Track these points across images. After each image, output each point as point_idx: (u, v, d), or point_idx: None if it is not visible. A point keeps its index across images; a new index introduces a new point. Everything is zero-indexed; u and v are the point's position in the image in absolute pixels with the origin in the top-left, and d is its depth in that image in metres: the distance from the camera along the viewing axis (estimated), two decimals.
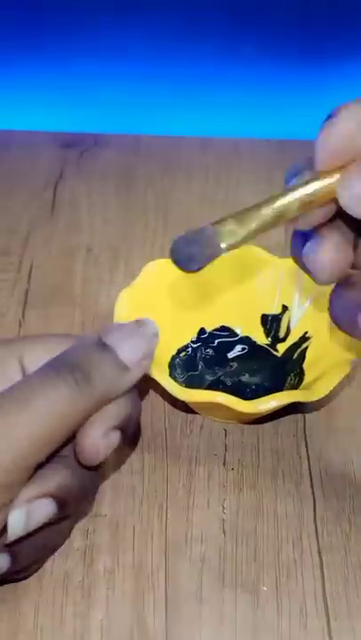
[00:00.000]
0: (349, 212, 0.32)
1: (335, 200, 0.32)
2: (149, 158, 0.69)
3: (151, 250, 0.60)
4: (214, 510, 0.44)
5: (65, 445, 0.36)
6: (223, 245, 0.33)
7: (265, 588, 0.41)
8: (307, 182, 0.33)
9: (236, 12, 0.65)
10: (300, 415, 0.49)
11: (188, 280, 0.50)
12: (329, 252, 0.35)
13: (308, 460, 0.47)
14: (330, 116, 0.33)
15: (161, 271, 0.50)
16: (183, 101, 0.70)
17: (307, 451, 0.47)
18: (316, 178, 0.32)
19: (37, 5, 0.64)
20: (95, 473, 0.38)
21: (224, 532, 0.43)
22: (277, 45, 0.67)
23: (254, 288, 0.52)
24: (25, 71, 0.69)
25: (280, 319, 0.52)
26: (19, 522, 0.34)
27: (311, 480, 0.46)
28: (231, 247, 0.33)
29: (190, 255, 0.33)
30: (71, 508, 0.36)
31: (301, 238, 0.36)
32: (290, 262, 0.51)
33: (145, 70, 0.68)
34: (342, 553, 0.43)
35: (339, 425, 0.49)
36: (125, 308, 0.47)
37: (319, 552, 0.43)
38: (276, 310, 0.52)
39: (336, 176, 0.32)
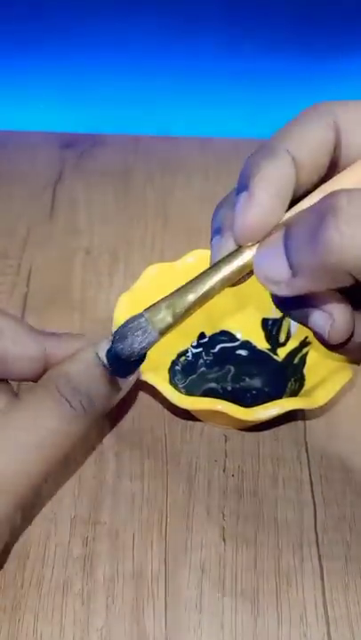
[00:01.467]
0: (266, 288, 0.33)
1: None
2: (149, 159, 0.68)
3: (151, 252, 0.60)
4: (214, 517, 0.44)
5: None
6: (156, 331, 0.35)
7: (266, 595, 0.41)
8: (227, 258, 0.34)
9: (237, 12, 0.64)
10: (300, 421, 0.49)
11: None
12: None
13: (309, 466, 0.47)
14: (242, 189, 0.33)
15: (161, 275, 0.50)
16: (183, 102, 0.70)
17: (307, 457, 0.47)
18: (236, 252, 0.33)
19: (37, 6, 0.64)
20: None
21: (224, 539, 0.43)
22: (278, 46, 0.67)
23: (255, 292, 0.51)
24: (24, 71, 0.69)
25: (280, 323, 0.51)
26: None
27: (312, 487, 0.46)
28: (165, 331, 0.35)
29: (130, 345, 0.35)
30: None
31: None
32: None
33: (144, 71, 0.68)
34: (343, 560, 0.42)
35: (339, 431, 0.48)
36: (125, 312, 0.47)
37: (320, 559, 0.42)
38: (277, 314, 0.51)
39: (254, 250, 0.33)
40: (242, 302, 0.51)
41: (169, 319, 0.35)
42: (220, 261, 0.34)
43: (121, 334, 0.35)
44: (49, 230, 0.62)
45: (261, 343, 0.52)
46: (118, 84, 0.69)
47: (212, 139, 0.70)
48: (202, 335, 0.52)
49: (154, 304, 0.35)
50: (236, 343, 0.52)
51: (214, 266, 0.35)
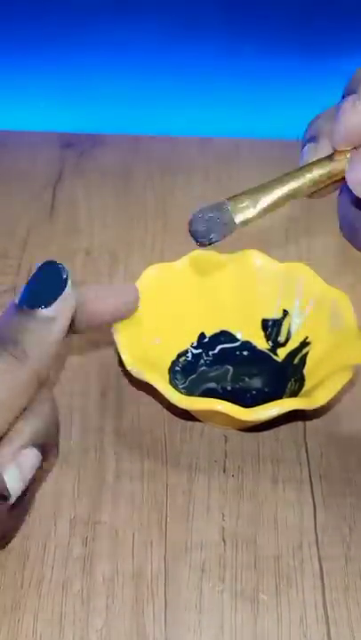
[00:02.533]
0: (355, 193, 0.33)
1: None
2: (149, 159, 0.68)
3: (151, 252, 0.60)
4: (214, 517, 0.44)
5: None
6: (238, 221, 0.35)
7: (265, 597, 0.41)
8: (319, 162, 0.34)
9: (236, 12, 0.64)
10: (300, 422, 0.49)
11: (188, 284, 0.50)
12: None
13: (309, 466, 0.47)
14: (350, 92, 0.33)
15: (160, 276, 0.50)
16: (183, 102, 0.70)
17: (307, 457, 0.47)
18: (328, 157, 0.34)
19: (37, 6, 0.64)
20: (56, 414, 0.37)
21: (224, 539, 0.43)
22: (278, 45, 0.67)
23: (255, 292, 0.52)
24: (24, 71, 0.69)
25: (281, 324, 0.51)
26: (15, 477, 0.34)
27: (312, 487, 0.46)
28: (245, 223, 0.35)
29: (208, 229, 0.35)
30: (50, 450, 0.36)
31: None
32: (291, 266, 0.51)
33: (144, 71, 0.68)
34: (343, 561, 0.42)
35: (339, 431, 0.48)
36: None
37: (319, 560, 0.42)
38: (277, 315, 0.51)
39: (348, 156, 0.33)
40: (242, 302, 0.51)
41: (252, 210, 0.35)
42: (312, 163, 0.35)
43: (200, 216, 0.35)
44: (49, 230, 0.62)
45: (261, 343, 0.52)
46: (118, 83, 0.69)
47: (212, 139, 0.70)
48: (202, 335, 0.52)
49: (237, 194, 0.35)
50: (237, 344, 0.52)
51: (306, 166, 0.35)
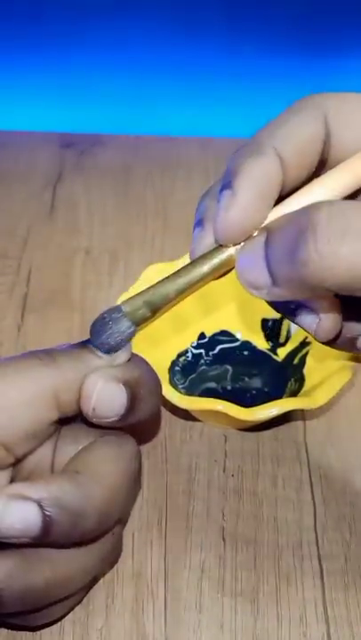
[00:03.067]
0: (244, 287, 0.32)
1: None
2: (149, 159, 0.68)
3: (150, 252, 0.60)
4: (214, 517, 0.44)
5: None
6: (134, 327, 0.34)
7: (266, 596, 0.41)
8: (210, 253, 0.33)
9: (236, 12, 0.64)
10: (300, 421, 0.49)
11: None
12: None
13: (309, 466, 0.47)
14: (226, 186, 0.32)
15: (160, 275, 0.50)
16: (183, 102, 0.70)
17: (307, 457, 0.47)
18: (218, 248, 0.33)
19: (37, 6, 0.64)
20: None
21: (224, 539, 0.43)
22: (278, 45, 0.67)
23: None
24: (24, 71, 0.69)
25: (280, 324, 0.51)
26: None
27: (311, 487, 0.46)
28: (142, 327, 0.34)
29: (109, 343, 0.34)
30: (61, 538, 0.33)
31: None
32: None
33: (144, 70, 0.68)
34: (342, 560, 0.42)
35: (339, 431, 0.48)
36: None
37: (319, 559, 0.42)
38: (277, 315, 0.51)
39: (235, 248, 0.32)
40: (242, 302, 0.51)
41: (147, 313, 0.34)
42: (201, 257, 0.33)
43: (97, 329, 0.34)
44: (49, 230, 0.62)
45: (261, 343, 0.52)
46: (118, 84, 0.69)
47: (211, 139, 0.70)
48: (202, 335, 0.52)
49: (132, 297, 0.34)
50: (237, 343, 0.52)
51: (195, 261, 0.33)
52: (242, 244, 0.32)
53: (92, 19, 0.65)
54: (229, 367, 0.51)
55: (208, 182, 0.65)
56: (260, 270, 0.30)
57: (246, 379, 0.51)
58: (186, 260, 0.50)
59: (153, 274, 0.50)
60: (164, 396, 0.43)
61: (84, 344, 0.35)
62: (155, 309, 0.34)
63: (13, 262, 0.59)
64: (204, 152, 0.69)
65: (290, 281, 0.29)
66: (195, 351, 0.51)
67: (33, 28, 0.66)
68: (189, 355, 0.51)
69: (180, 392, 0.46)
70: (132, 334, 0.34)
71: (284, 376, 0.50)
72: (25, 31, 0.66)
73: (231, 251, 0.32)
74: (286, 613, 0.40)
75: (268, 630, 0.40)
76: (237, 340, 0.52)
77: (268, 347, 0.52)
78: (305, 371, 0.49)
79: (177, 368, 0.50)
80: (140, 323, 0.34)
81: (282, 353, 0.51)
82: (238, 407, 0.43)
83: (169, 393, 0.43)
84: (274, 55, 0.68)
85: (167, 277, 0.34)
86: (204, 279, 0.33)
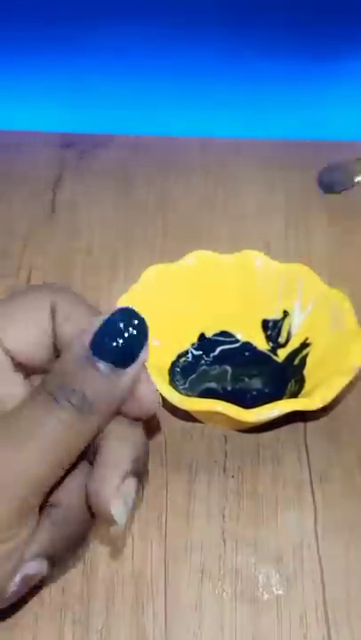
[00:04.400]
0: None
1: None
2: (149, 159, 0.68)
3: (151, 252, 0.60)
4: (214, 518, 0.44)
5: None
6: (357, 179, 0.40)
7: (265, 597, 0.41)
8: None
9: (237, 11, 0.64)
10: (300, 423, 0.49)
11: (189, 285, 0.50)
12: None
13: (309, 467, 0.47)
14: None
15: (160, 276, 0.50)
16: (183, 101, 0.70)
17: (307, 458, 0.47)
18: None
19: (37, 6, 0.64)
20: (83, 526, 0.36)
21: (224, 539, 0.43)
22: (278, 45, 0.67)
23: (255, 293, 0.52)
24: (24, 71, 0.69)
25: (281, 325, 0.51)
26: (122, 512, 0.34)
27: (312, 487, 0.46)
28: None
29: (331, 182, 0.41)
30: (145, 477, 0.36)
31: None
32: (292, 267, 0.51)
33: (145, 70, 0.68)
34: (343, 561, 0.42)
35: (339, 433, 0.48)
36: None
37: (320, 560, 0.42)
38: (277, 315, 0.51)
39: None
40: (242, 303, 0.52)
41: None
42: None
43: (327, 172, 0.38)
44: (49, 231, 0.62)
45: (262, 344, 0.52)
46: (119, 84, 0.69)
47: (212, 139, 0.70)
48: (202, 336, 0.52)
49: None
50: (237, 344, 0.52)
51: None
52: None
53: (93, 20, 0.65)
54: (229, 368, 0.51)
55: (208, 182, 0.66)
56: None
57: (246, 379, 0.51)
58: (186, 261, 0.51)
59: (153, 274, 0.50)
60: (163, 397, 0.43)
61: None
62: None
63: (14, 263, 0.59)
64: (205, 152, 0.69)
65: None
66: (195, 352, 0.51)
67: (33, 29, 0.66)
68: (190, 356, 0.51)
69: (181, 393, 0.46)
70: (352, 184, 0.40)
71: (285, 377, 0.50)
72: (25, 32, 0.66)
73: None
74: (286, 614, 0.41)
75: (267, 631, 0.40)
76: (238, 340, 0.52)
77: (269, 347, 0.52)
78: (305, 372, 0.49)
79: (177, 369, 0.50)
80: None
81: (282, 354, 0.51)
82: (238, 408, 0.43)
83: (169, 394, 0.43)
84: (274, 56, 0.68)
85: None
86: None
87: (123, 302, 0.48)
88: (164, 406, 0.47)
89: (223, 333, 0.52)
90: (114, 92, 0.70)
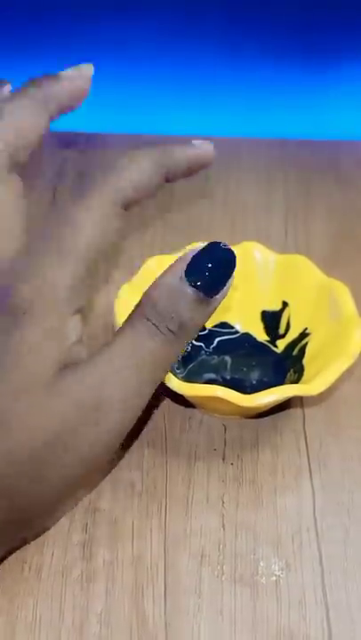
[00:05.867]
0: None
1: None
2: None
3: (150, 251, 0.60)
4: (213, 505, 0.45)
5: None
6: None
7: (263, 581, 0.41)
8: None
9: (237, 11, 0.65)
10: (299, 410, 0.49)
11: None
12: None
13: (308, 454, 0.47)
14: None
15: (161, 267, 0.50)
16: (183, 101, 0.71)
17: (306, 445, 0.47)
18: None
19: (35, 5, 0.64)
20: None
21: (223, 525, 0.43)
22: (278, 45, 0.67)
23: (254, 284, 0.52)
24: (23, 71, 0.69)
25: (280, 316, 0.52)
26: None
27: (310, 474, 0.46)
28: None
29: None
30: None
31: None
32: (290, 258, 0.51)
33: (145, 69, 0.69)
34: (341, 545, 0.43)
35: (338, 419, 0.49)
36: (125, 304, 0.47)
37: (318, 544, 0.43)
38: (276, 307, 0.52)
39: None
40: (242, 294, 0.52)
41: None
42: None
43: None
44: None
45: (261, 335, 0.52)
46: (118, 83, 0.70)
47: (211, 138, 0.70)
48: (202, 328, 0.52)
49: None
50: (236, 335, 0.52)
51: None
52: None
53: (93, 17, 0.65)
54: (229, 358, 0.52)
55: (208, 182, 0.66)
56: None
57: (245, 369, 0.51)
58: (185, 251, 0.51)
59: (153, 265, 0.50)
60: (163, 383, 0.43)
61: None
62: None
63: None
64: None
65: None
66: (195, 342, 0.52)
67: (32, 27, 0.66)
68: (188, 347, 0.51)
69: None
70: None
71: (284, 367, 0.50)
72: (24, 29, 0.66)
73: None
74: (286, 598, 0.41)
75: (267, 615, 0.40)
76: (237, 331, 0.53)
77: (268, 338, 0.52)
78: (304, 361, 0.49)
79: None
80: None
81: (281, 344, 0.52)
82: (238, 393, 0.43)
83: (168, 380, 0.44)
84: (274, 56, 0.68)
85: None
86: None
87: (124, 292, 0.48)
88: (164, 393, 0.48)
89: (223, 324, 0.52)
90: (113, 92, 0.70)
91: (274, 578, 0.41)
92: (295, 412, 0.49)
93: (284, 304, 0.52)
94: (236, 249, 0.52)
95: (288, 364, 0.50)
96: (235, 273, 0.51)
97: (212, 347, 0.52)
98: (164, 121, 0.71)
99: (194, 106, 0.71)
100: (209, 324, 0.52)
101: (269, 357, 0.52)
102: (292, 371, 0.50)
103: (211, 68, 0.69)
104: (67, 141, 0.70)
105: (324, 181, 0.66)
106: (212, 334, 0.52)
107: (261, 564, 0.42)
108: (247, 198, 0.65)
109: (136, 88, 0.70)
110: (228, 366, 0.51)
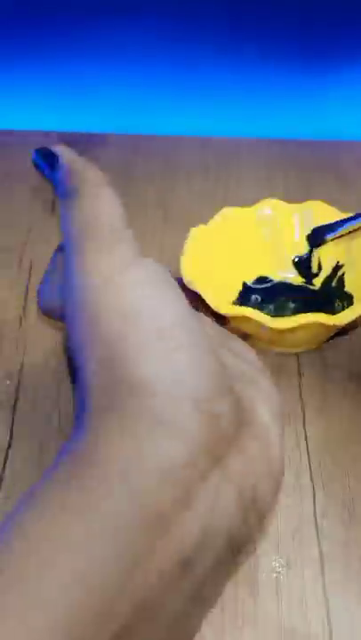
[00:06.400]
0: None
1: None
2: (149, 158, 0.69)
3: (151, 249, 0.60)
4: None
5: None
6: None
7: (266, 579, 0.41)
8: None
9: (236, 11, 0.65)
10: (299, 409, 0.49)
11: (225, 241, 0.53)
12: None
13: (308, 453, 0.47)
14: None
15: (201, 237, 0.53)
16: (183, 101, 0.71)
17: (306, 445, 0.47)
18: None
19: (37, 5, 0.65)
20: None
21: None
22: (277, 45, 0.67)
23: (282, 235, 0.55)
24: (25, 71, 0.70)
25: (310, 259, 0.54)
26: None
27: (311, 473, 0.46)
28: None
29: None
30: None
31: None
32: (306, 205, 0.54)
33: (145, 69, 0.69)
34: (342, 544, 0.43)
35: (338, 419, 0.49)
36: (192, 247, 0.51)
37: (319, 543, 0.43)
38: (305, 250, 0.55)
39: None
40: (273, 247, 0.55)
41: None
42: None
43: None
44: (51, 227, 0.62)
45: (298, 280, 0.55)
46: (118, 83, 0.70)
47: (212, 138, 0.71)
48: (244, 285, 0.54)
49: None
50: (275, 285, 0.55)
51: None
52: None
53: (93, 19, 0.65)
54: (272, 306, 0.54)
55: (208, 181, 0.66)
56: None
57: (290, 312, 0.53)
58: (218, 218, 0.53)
59: (196, 235, 0.52)
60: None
61: None
62: None
63: (15, 256, 0.59)
64: (204, 151, 0.70)
65: None
66: (237, 300, 0.54)
67: (33, 27, 0.66)
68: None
69: None
70: None
71: (328, 300, 0.53)
72: (25, 31, 0.66)
73: None
74: (286, 596, 0.41)
75: (267, 613, 0.40)
76: (274, 282, 0.55)
77: (304, 281, 0.55)
78: (347, 288, 0.52)
79: None
80: None
81: (318, 282, 0.54)
82: (265, 315, 0.45)
83: (209, 297, 0.46)
84: (274, 56, 0.68)
85: None
86: None
87: (194, 235, 0.52)
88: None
89: (260, 279, 0.55)
90: (114, 92, 0.70)
91: (275, 575, 0.41)
92: (296, 411, 0.49)
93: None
94: (259, 206, 0.55)
95: (332, 297, 0.53)
96: (260, 231, 0.55)
97: (253, 299, 0.54)
98: (165, 121, 0.71)
99: (194, 106, 0.71)
100: (249, 281, 0.55)
101: (309, 295, 0.54)
102: (338, 300, 0.52)
103: (211, 68, 0.69)
104: (67, 141, 0.70)
105: (323, 181, 0.66)
106: (253, 290, 0.55)
107: (263, 563, 0.42)
108: (247, 199, 0.64)
109: (136, 88, 0.70)
110: (272, 313, 0.53)
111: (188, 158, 0.69)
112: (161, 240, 0.61)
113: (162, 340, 0.29)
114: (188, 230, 0.61)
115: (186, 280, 0.48)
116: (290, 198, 0.65)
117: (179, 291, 0.32)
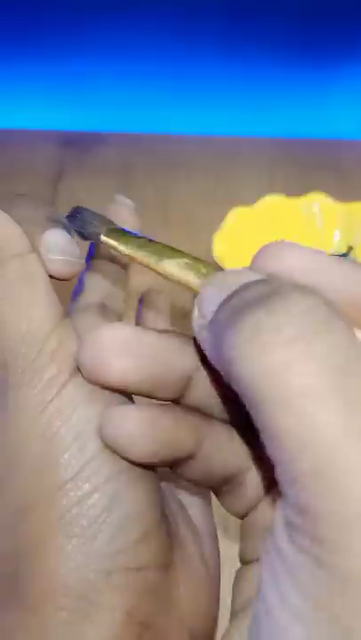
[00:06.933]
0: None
1: None
2: (150, 157, 0.69)
3: None
4: (213, 507, 0.44)
5: None
6: (102, 238, 0.32)
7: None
8: (189, 264, 0.29)
9: (237, 10, 0.65)
10: None
11: (265, 227, 0.54)
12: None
13: None
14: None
15: (242, 219, 0.54)
16: (184, 100, 0.71)
17: None
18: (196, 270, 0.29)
19: (37, 5, 0.64)
20: None
21: (224, 529, 0.43)
22: (278, 44, 0.67)
23: (318, 233, 0.55)
24: (24, 69, 0.69)
25: (347, 258, 0.54)
26: None
27: None
28: (108, 245, 0.32)
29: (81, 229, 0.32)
30: None
31: None
32: (350, 206, 0.55)
33: (145, 68, 0.68)
34: None
35: None
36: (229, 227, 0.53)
37: None
38: (343, 250, 0.54)
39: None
40: (310, 243, 0.55)
41: (115, 243, 0.32)
42: (185, 255, 0.30)
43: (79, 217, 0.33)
44: None
45: None
46: (118, 82, 0.70)
47: (212, 137, 0.70)
48: None
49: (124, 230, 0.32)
50: None
51: (181, 260, 0.30)
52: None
53: (92, 17, 0.65)
54: None
55: (208, 180, 0.66)
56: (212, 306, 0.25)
57: None
58: (261, 203, 0.55)
59: (235, 217, 0.54)
60: None
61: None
62: (122, 250, 0.32)
63: None
64: (205, 150, 0.69)
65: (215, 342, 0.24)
66: None
67: (33, 27, 0.66)
68: None
69: None
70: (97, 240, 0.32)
71: None
72: (25, 29, 0.66)
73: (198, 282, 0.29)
74: None
75: None
76: None
77: None
78: None
79: None
80: (104, 237, 0.32)
81: None
82: None
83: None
84: (273, 55, 0.68)
85: (157, 244, 0.32)
86: (163, 274, 0.30)
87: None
88: None
89: None
90: (114, 90, 0.70)
91: None
92: None
93: (350, 248, 0.55)
94: (304, 200, 0.55)
95: None
96: (297, 220, 0.55)
97: None
98: (165, 120, 0.71)
99: (194, 105, 0.71)
100: None
101: None
102: None
103: (211, 67, 0.69)
104: (67, 141, 0.70)
105: (324, 180, 0.66)
106: None
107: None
108: (247, 197, 0.64)
109: (137, 88, 0.70)
110: None
111: (188, 157, 0.69)
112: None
113: None
114: (188, 229, 0.62)
115: (215, 256, 0.48)
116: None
117: None
